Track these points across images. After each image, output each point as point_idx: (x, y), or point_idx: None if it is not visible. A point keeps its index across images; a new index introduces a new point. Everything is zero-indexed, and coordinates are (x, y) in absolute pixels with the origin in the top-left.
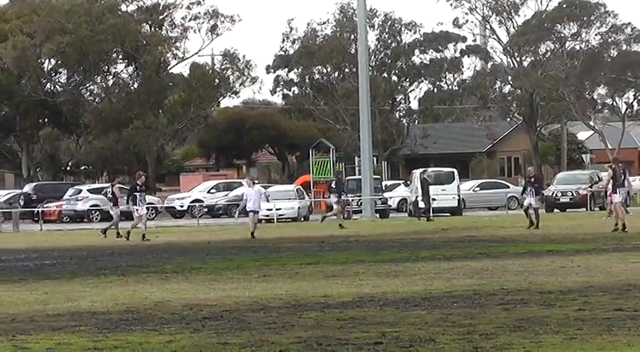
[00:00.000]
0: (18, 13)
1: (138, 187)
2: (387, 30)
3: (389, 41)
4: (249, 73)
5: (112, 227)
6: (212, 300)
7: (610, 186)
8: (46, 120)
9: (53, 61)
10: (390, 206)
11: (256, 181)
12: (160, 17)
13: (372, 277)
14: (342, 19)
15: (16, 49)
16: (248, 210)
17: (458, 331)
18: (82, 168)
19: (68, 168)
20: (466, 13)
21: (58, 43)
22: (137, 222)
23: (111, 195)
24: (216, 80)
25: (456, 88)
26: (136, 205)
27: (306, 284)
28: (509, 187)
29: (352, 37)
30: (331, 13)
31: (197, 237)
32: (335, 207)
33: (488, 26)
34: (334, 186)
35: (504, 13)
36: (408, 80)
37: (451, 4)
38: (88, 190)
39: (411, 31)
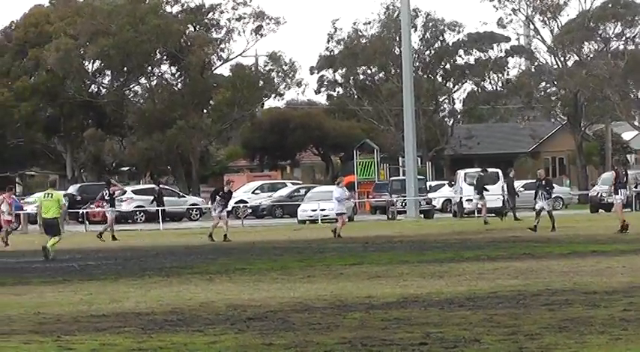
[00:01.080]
0: (61, 15)
1: (221, 192)
2: (429, 30)
3: (432, 41)
4: (294, 75)
5: (108, 229)
6: (256, 301)
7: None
8: (90, 121)
9: (97, 63)
10: (435, 206)
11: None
12: (205, 18)
13: (417, 278)
14: (386, 19)
15: (60, 50)
16: (337, 212)
17: (502, 331)
18: (126, 169)
19: (112, 169)
20: (510, 14)
21: (101, 45)
22: (217, 222)
23: (108, 198)
24: (261, 81)
25: (500, 88)
26: (215, 205)
27: (350, 284)
28: (553, 188)
29: (397, 37)
30: (376, 14)
31: (241, 237)
32: (480, 202)
33: (531, 26)
34: (476, 183)
35: (548, 13)
36: (452, 80)
37: (494, 6)
38: (132, 191)
39: (454, 31)
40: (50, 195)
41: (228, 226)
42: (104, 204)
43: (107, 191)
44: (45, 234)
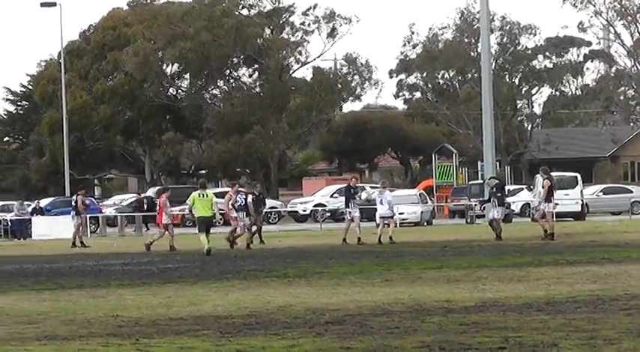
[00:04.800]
0: (139, 19)
1: (352, 190)
2: (505, 34)
3: (508, 45)
4: (371, 77)
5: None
6: (335, 305)
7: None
8: (168, 124)
9: (175, 66)
10: (513, 211)
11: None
12: (281, 21)
13: (495, 282)
14: (462, 24)
15: (138, 54)
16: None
17: (581, 336)
18: (203, 171)
19: (190, 172)
20: (591, 17)
21: (179, 48)
22: (353, 225)
23: (74, 204)
24: (339, 84)
25: (579, 92)
26: (348, 208)
27: (428, 288)
28: (632, 192)
29: (472, 41)
30: (451, 18)
31: (320, 241)
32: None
33: (612, 30)
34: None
35: (629, 17)
36: (530, 84)
37: (576, 6)
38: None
39: (531, 34)
40: (205, 195)
41: (359, 228)
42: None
43: (75, 199)
44: (198, 231)
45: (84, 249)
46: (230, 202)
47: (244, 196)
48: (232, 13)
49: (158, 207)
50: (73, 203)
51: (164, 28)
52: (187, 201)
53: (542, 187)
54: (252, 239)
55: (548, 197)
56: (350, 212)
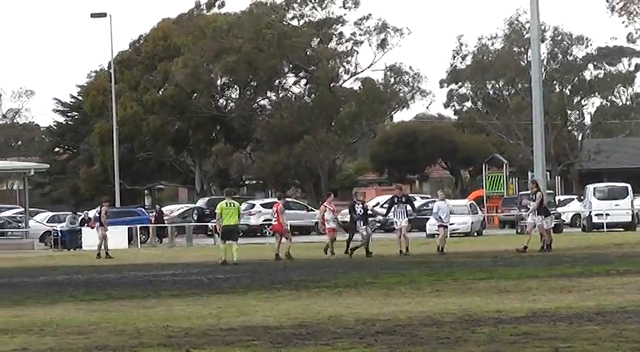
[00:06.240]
0: (186, 31)
1: (396, 199)
2: (557, 44)
3: (558, 55)
4: (419, 87)
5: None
6: (385, 315)
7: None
8: (218, 135)
9: (225, 78)
10: (564, 221)
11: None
12: (330, 31)
13: (546, 292)
14: (511, 33)
15: (187, 66)
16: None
17: (631, 347)
18: (253, 182)
19: (239, 183)
20: (638, 30)
21: (225, 62)
22: (400, 234)
23: (97, 215)
24: (387, 94)
25: (630, 102)
26: (394, 218)
27: (479, 299)
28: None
29: (522, 50)
30: (500, 29)
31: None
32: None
33: None
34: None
35: None
36: (580, 95)
37: (623, 22)
38: (260, 205)
39: (582, 45)
40: (232, 204)
41: (407, 239)
42: (96, 223)
43: (99, 209)
44: (222, 239)
45: (108, 259)
46: (324, 213)
47: (361, 205)
48: (276, 25)
49: (276, 215)
50: (97, 214)
51: (210, 42)
52: (216, 210)
53: (534, 200)
54: (368, 247)
55: (539, 210)
56: (397, 222)
